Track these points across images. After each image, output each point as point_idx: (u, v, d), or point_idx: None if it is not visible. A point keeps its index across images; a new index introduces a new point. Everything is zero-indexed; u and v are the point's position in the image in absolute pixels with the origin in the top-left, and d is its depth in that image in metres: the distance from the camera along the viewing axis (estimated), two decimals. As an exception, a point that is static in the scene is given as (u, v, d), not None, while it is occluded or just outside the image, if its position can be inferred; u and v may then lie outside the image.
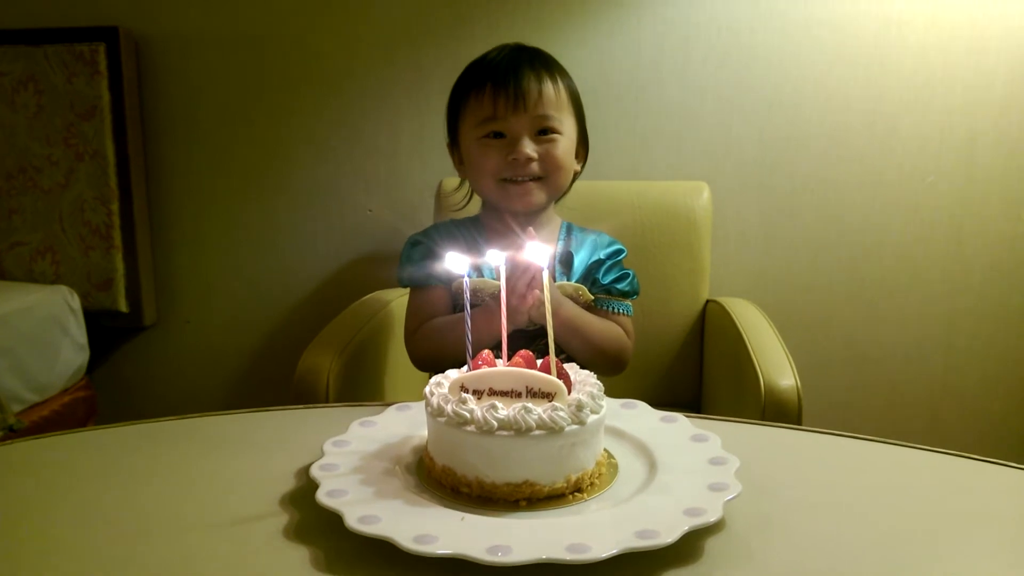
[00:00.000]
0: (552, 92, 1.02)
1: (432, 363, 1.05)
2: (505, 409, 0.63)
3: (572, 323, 1.00)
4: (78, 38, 1.68)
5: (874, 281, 1.66)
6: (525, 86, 1.00)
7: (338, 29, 1.69)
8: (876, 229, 1.64)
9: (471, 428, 0.62)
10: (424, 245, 1.08)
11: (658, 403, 0.81)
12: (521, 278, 0.92)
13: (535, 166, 1.02)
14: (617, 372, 1.06)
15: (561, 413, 0.62)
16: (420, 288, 1.07)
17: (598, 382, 0.69)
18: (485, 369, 0.67)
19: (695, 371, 1.45)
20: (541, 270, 0.90)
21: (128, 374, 1.87)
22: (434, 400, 0.66)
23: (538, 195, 1.04)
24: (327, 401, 1.08)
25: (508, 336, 0.73)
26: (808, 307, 1.67)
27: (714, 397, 1.37)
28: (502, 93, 1.00)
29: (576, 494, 0.64)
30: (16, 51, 1.70)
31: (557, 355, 0.69)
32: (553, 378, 0.65)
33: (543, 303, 0.93)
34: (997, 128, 1.58)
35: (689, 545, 0.58)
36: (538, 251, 0.72)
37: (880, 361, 1.68)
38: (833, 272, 1.66)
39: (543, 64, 1.04)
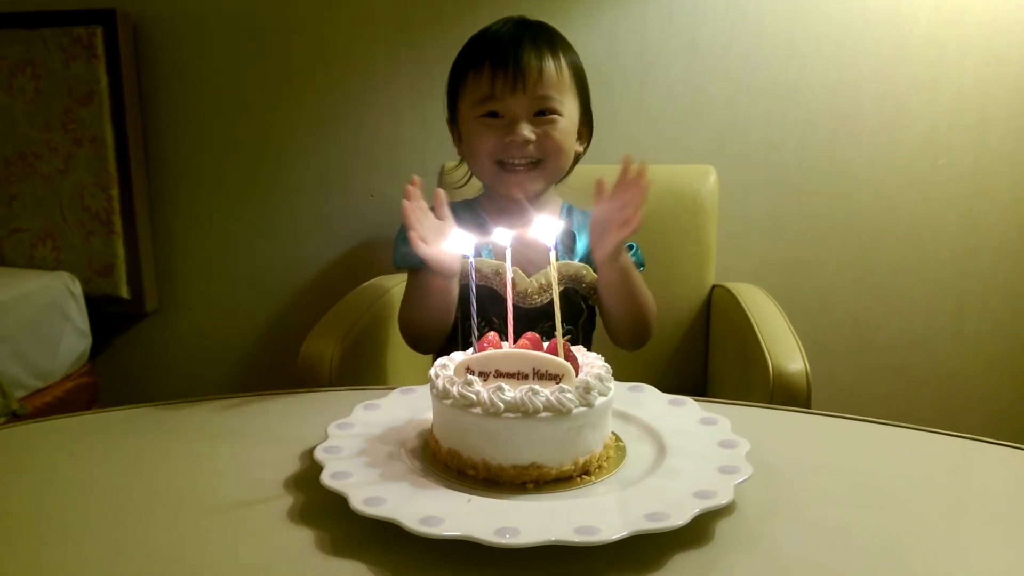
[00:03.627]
0: (553, 71, 0.99)
1: (414, 337, 1.05)
2: (512, 391, 0.62)
3: (637, 287, 1.00)
4: (75, 21, 1.66)
5: (882, 265, 1.64)
6: (524, 65, 0.97)
7: (340, 13, 1.67)
8: (885, 212, 1.62)
9: (477, 410, 0.61)
10: None
11: (663, 388, 0.80)
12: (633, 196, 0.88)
13: (532, 148, 1.00)
14: (645, 342, 1.06)
15: (569, 395, 0.61)
16: (415, 270, 1.06)
17: (606, 364, 0.69)
18: (491, 351, 0.66)
19: (700, 356, 1.44)
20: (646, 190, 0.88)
21: (130, 360, 1.87)
22: (440, 382, 0.65)
23: (535, 182, 1.03)
24: (330, 386, 1.07)
25: (516, 317, 0.72)
26: (815, 292, 1.66)
27: (720, 382, 1.36)
28: (500, 72, 0.97)
29: (584, 477, 0.63)
30: (13, 35, 1.68)
31: (563, 336, 0.67)
32: (560, 360, 0.64)
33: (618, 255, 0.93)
34: (1009, 110, 1.56)
35: (699, 528, 0.57)
36: (546, 228, 0.70)
37: (887, 346, 1.67)
38: (841, 256, 1.64)
39: (545, 41, 1.01)
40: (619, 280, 0.98)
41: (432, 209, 0.93)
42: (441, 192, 0.94)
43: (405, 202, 0.89)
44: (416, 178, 0.92)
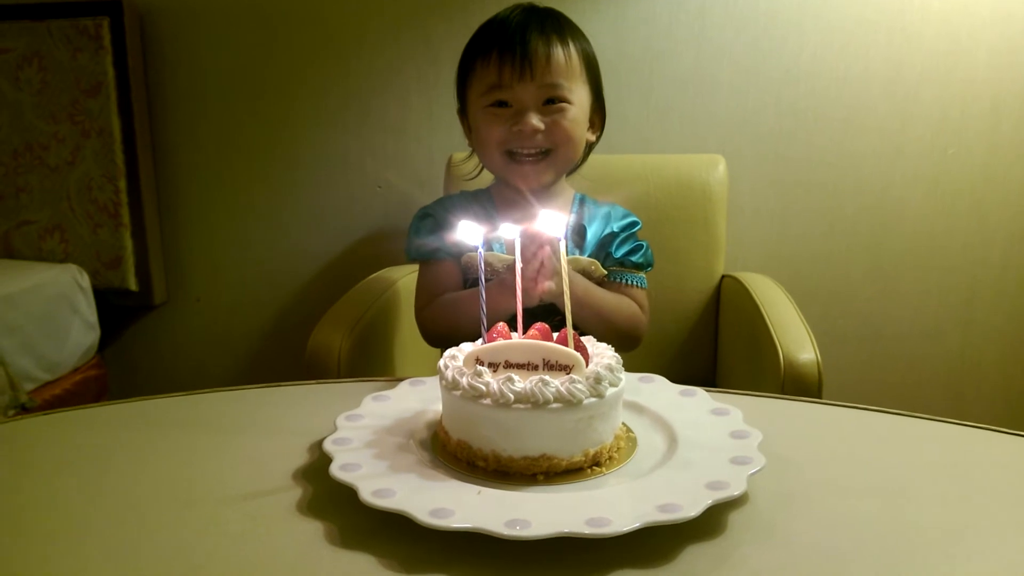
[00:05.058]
0: (562, 58, 0.97)
1: (444, 339, 1.03)
2: (522, 382, 0.61)
3: (584, 299, 0.97)
4: (82, 12, 1.66)
5: (893, 254, 1.63)
6: (532, 52, 0.95)
7: (347, 3, 1.66)
8: (895, 202, 1.61)
9: (487, 401, 0.61)
10: (433, 218, 1.06)
11: (673, 378, 0.80)
12: (531, 262, 0.89)
13: (541, 138, 0.98)
14: (632, 348, 1.03)
15: (579, 386, 0.61)
16: (429, 262, 1.05)
17: (616, 355, 0.68)
18: (501, 341, 0.65)
19: (710, 347, 1.44)
20: (551, 256, 0.88)
21: (139, 353, 1.87)
22: (449, 373, 0.64)
23: (545, 173, 1.01)
24: (338, 378, 1.07)
25: (524, 310, 0.71)
26: (825, 282, 1.65)
27: (730, 372, 1.35)
28: (508, 59, 0.96)
29: (594, 468, 0.62)
30: (20, 27, 1.68)
31: (573, 328, 0.67)
32: (571, 350, 0.63)
33: (555, 280, 0.92)
34: (1020, 99, 1.54)
35: (712, 519, 0.56)
36: (553, 222, 0.69)
37: (898, 335, 1.66)
38: (851, 246, 1.63)
39: (554, 27, 0.99)
40: (575, 306, 0.94)
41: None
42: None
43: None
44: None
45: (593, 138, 1.07)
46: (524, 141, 0.98)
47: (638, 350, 1.05)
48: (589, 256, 1.05)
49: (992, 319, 1.64)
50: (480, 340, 0.68)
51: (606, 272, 1.03)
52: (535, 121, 0.97)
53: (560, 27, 1.00)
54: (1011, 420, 1.65)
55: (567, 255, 1.01)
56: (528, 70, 0.96)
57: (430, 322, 1.04)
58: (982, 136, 1.56)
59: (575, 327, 0.99)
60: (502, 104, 0.98)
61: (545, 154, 1.00)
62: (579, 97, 1.00)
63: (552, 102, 0.98)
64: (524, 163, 1.00)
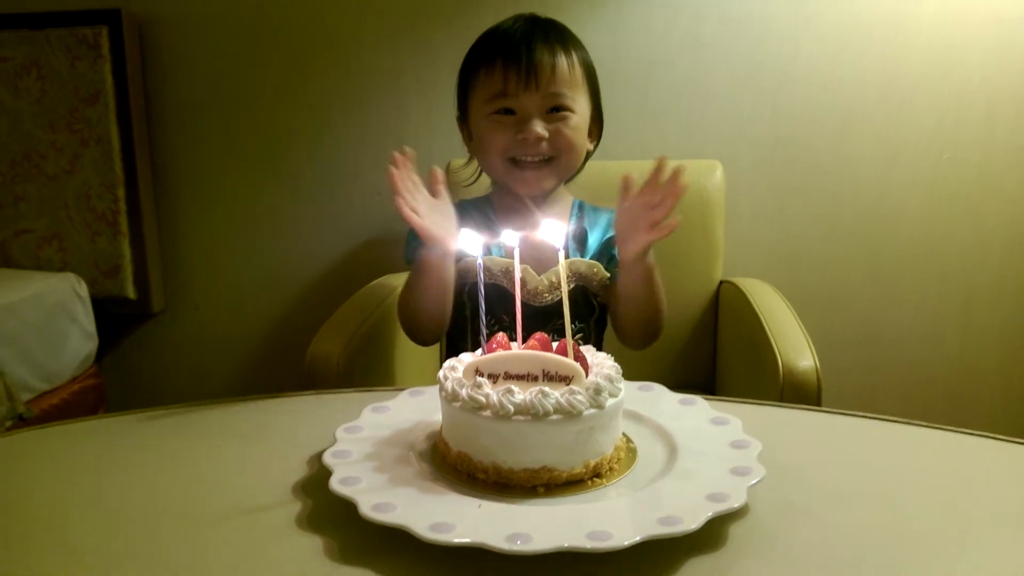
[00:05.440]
0: (566, 68, 0.98)
1: (410, 324, 1.03)
2: (521, 393, 0.61)
3: (657, 287, 0.98)
4: (80, 21, 1.66)
5: (890, 260, 1.63)
6: (537, 62, 0.97)
7: (344, 10, 1.66)
8: (892, 207, 1.61)
9: (487, 413, 0.61)
10: None
11: (672, 384, 0.80)
12: (659, 208, 0.87)
13: (544, 146, 0.99)
14: (655, 339, 1.04)
15: (579, 397, 0.61)
16: None
17: (615, 364, 0.68)
18: (500, 352, 0.65)
19: (709, 352, 1.43)
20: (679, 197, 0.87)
21: (137, 361, 1.87)
22: (448, 384, 0.64)
23: (547, 180, 1.02)
24: (338, 387, 1.07)
25: (525, 316, 0.71)
26: (823, 287, 1.65)
27: (729, 379, 1.35)
28: (513, 68, 0.97)
29: (595, 479, 0.62)
30: (18, 36, 1.68)
31: (575, 334, 0.67)
32: (570, 361, 0.63)
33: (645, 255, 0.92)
34: (1017, 101, 1.54)
35: (712, 532, 0.56)
36: (554, 230, 0.70)
37: (897, 340, 1.66)
38: (849, 251, 1.63)
39: (557, 38, 1.00)
40: (642, 280, 0.96)
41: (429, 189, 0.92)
42: (438, 171, 0.93)
43: (392, 169, 0.88)
44: (408, 149, 0.91)
45: (591, 147, 1.08)
46: (528, 148, 0.99)
47: (638, 355, 1.05)
48: (591, 260, 1.05)
49: (990, 322, 1.64)
50: (480, 350, 0.68)
51: (608, 275, 1.04)
52: (539, 129, 0.98)
53: (563, 38, 1.01)
54: (1010, 423, 1.66)
55: (568, 258, 1.02)
56: (533, 79, 0.97)
57: (401, 318, 1.04)
58: (977, 141, 1.56)
59: (577, 334, 1.01)
60: (506, 112, 0.99)
61: (548, 161, 1.01)
62: (581, 106, 1.01)
63: (555, 110, 0.99)
64: (527, 169, 1.01)
